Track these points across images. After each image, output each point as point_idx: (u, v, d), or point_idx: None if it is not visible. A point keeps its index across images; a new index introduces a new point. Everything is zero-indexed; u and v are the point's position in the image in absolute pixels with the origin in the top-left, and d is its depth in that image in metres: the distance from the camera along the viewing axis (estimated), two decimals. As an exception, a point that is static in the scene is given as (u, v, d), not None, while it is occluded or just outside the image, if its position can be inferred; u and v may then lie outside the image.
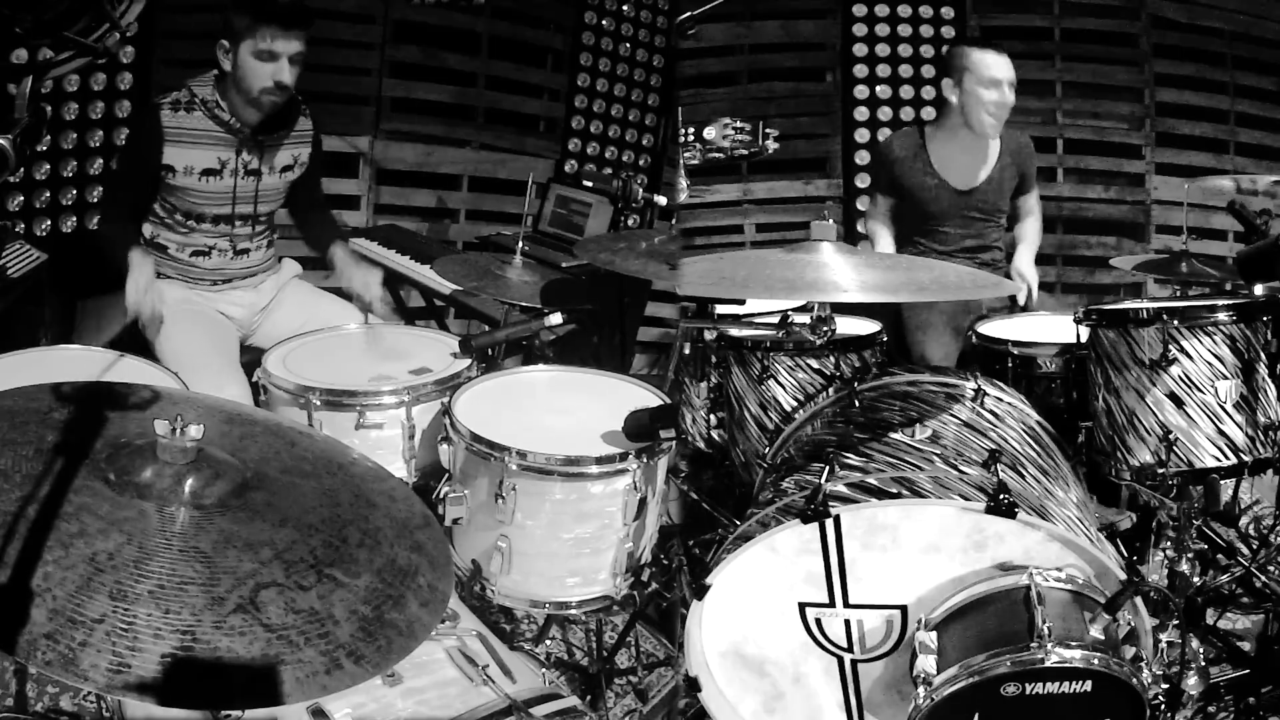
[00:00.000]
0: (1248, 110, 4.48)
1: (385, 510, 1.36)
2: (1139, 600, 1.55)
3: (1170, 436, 2.14)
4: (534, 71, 4.66)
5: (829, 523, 1.64)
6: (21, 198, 3.45)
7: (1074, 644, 1.47)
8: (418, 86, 4.39)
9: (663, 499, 2.20)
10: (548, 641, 2.52)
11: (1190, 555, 2.12)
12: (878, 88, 4.57)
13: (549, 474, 1.95)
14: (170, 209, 2.69)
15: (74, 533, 1.08)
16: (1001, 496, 1.57)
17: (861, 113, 4.58)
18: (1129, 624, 1.55)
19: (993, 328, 2.79)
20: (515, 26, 4.57)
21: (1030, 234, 3.37)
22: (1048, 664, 1.45)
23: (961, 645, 1.54)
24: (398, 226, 4.15)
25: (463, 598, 2.01)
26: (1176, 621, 1.76)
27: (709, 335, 2.56)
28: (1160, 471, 2.16)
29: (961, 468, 1.72)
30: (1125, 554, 2.32)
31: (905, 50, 4.55)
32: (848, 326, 2.63)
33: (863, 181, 4.55)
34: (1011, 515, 1.56)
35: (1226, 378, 2.13)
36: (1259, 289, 2.24)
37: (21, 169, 3.34)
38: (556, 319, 2.47)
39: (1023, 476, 1.77)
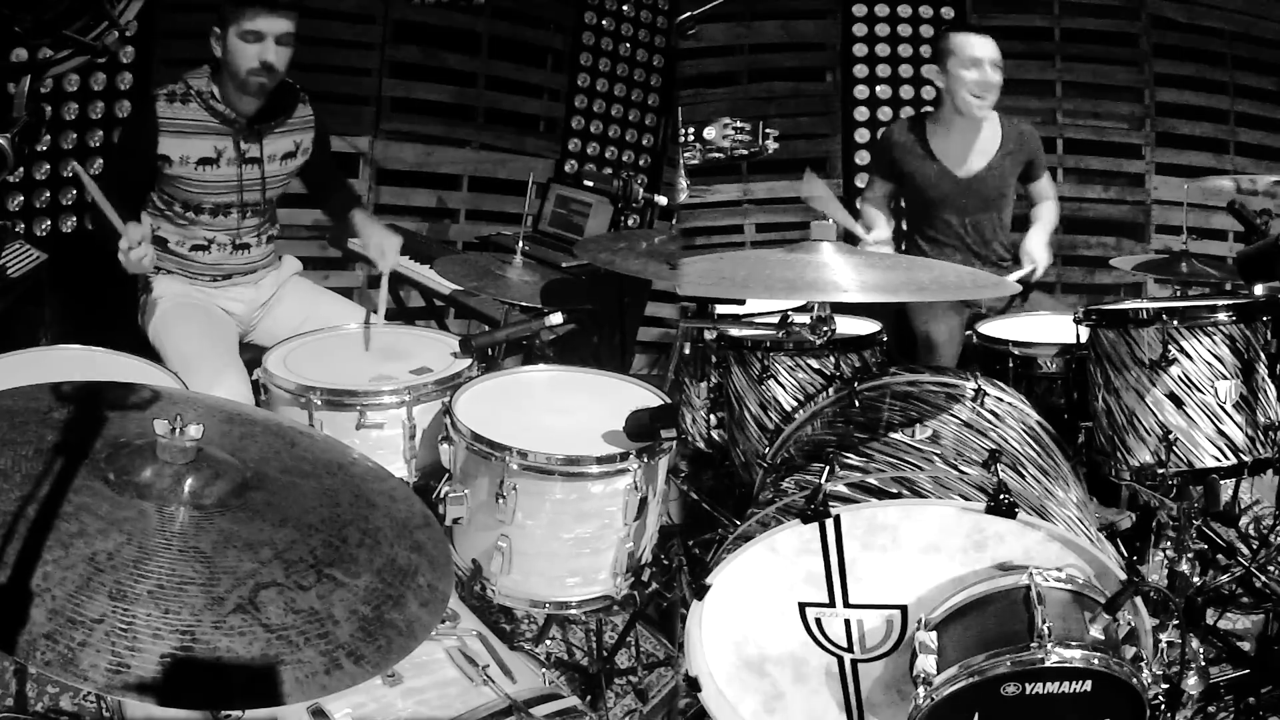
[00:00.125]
0: (1248, 110, 4.47)
1: (385, 510, 1.36)
2: (1139, 600, 1.55)
3: (1170, 436, 2.14)
4: (534, 71, 4.66)
5: (829, 523, 1.65)
6: (21, 198, 3.45)
7: (1074, 644, 1.47)
8: (418, 86, 4.39)
9: (663, 499, 2.20)
10: (548, 641, 2.52)
11: (1190, 555, 2.12)
12: (878, 88, 4.57)
13: (549, 474, 1.95)
14: (168, 200, 2.69)
15: (74, 533, 1.08)
16: (1001, 496, 1.57)
17: (861, 113, 4.58)
18: (1129, 624, 1.55)
19: (993, 328, 2.79)
20: (515, 26, 4.57)
21: (1044, 216, 3.33)
22: (1048, 664, 1.45)
23: (961, 645, 1.54)
24: (398, 226, 4.13)
25: (463, 598, 2.01)
26: (1176, 621, 1.76)
27: (709, 335, 2.56)
28: (1160, 471, 2.16)
29: (961, 468, 1.72)
30: (1125, 554, 2.32)
31: (905, 50, 4.55)
32: (848, 326, 2.63)
33: (862, 181, 4.54)
34: (1011, 515, 1.56)
35: (1226, 378, 2.14)
36: (1259, 289, 2.24)
37: (21, 169, 3.38)
38: (556, 319, 2.47)
39: (1023, 476, 1.77)
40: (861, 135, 4.59)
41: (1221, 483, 2.27)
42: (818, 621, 1.71)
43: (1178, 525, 2.11)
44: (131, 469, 1.20)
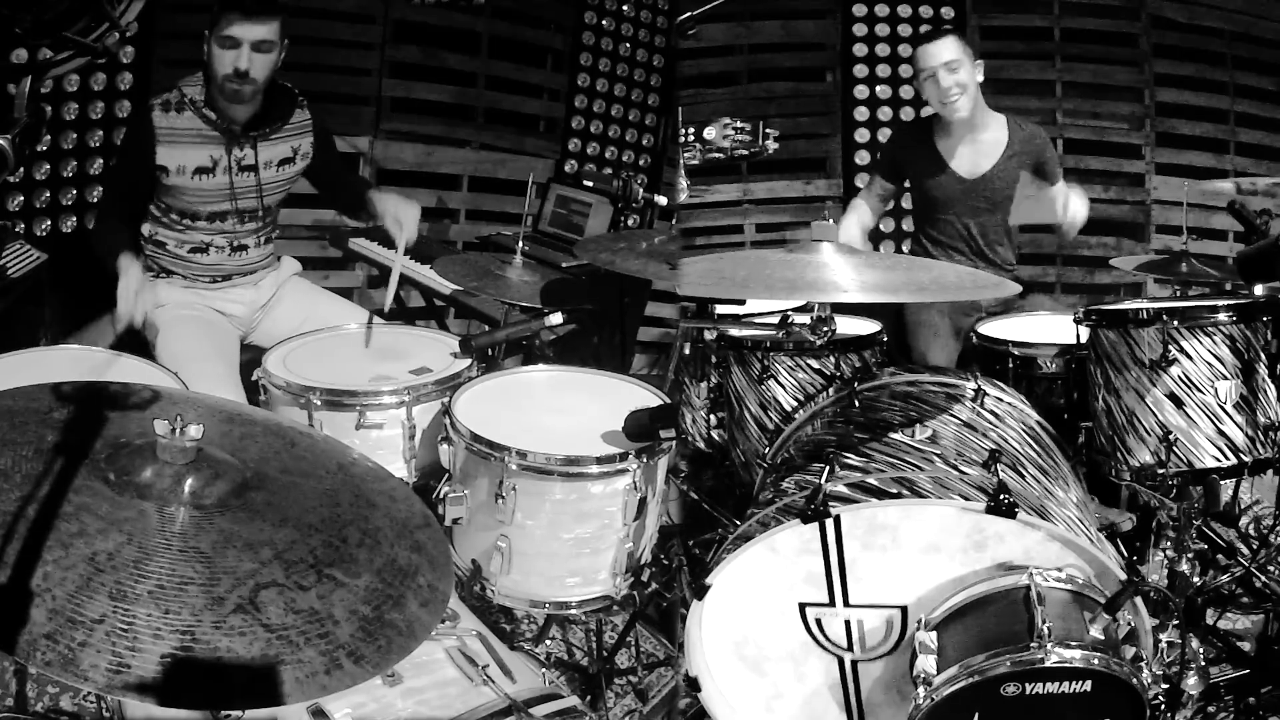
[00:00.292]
0: (1248, 110, 4.47)
1: (385, 510, 1.36)
2: (1139, 600, 1.55)
3: (1170, 437, 2.14)
4: (534, 71, 4.66)
5: (829, 523, 1.65)
6: (21, 198, 3.45)
7: (1074, 644, 1.47)
8: (418, 86, 4.39)
9: (663, 499, 2.20)
10: (548, 641, 2.52)
11: (1190, 555, 2.12)
12: (878, 88, 4.57)
13: (549, 474, 1.95)
14: (165, 208, 2.68)
15: (74, 533, 1.08)
16: (1001, 496, 1.57)
17: (861, 113, 4.58)
18: (1129, 624, 1.55)
19: (993, 328, 2.79)
20: (515, 26, 4.57)
21: (1077, 192, 3.12)
22: (1048, 664, 1.45)
23: (961, 645, 1.54)
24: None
25: (463, 598, 2.01)
26: (1176, 621, 1.76)
27: (709, 335, 2.56)
28: (1160, 472, 2.16)
29: (961, 468, 1.72)
30: (1125, 554, 2.33)
31: (905, 50, 4.53)
32: (848, 326, 2.63)
33: (862, 181, 4.54)
34: (1011, 515, 1.56)
35: (1226, 378, 2.14)
36: (1259, 289, 2.24)
37: (21, 169, 3.38)
38: (556, 319, 2.47)
39: (1023, 476, 1.77)
40: (861, 135, 4.59)
41: (1221, 483, 2.27)
42: (818, 621, 1.71)
43: (1178, 525, 2.11)
44: (132, 469, 1.20)
